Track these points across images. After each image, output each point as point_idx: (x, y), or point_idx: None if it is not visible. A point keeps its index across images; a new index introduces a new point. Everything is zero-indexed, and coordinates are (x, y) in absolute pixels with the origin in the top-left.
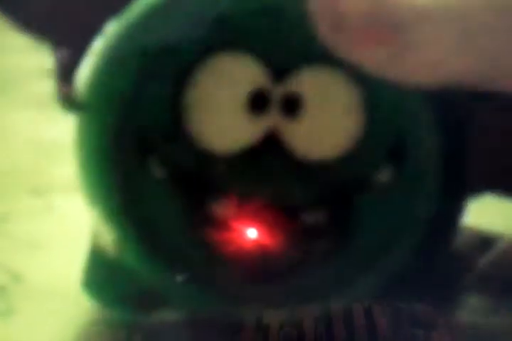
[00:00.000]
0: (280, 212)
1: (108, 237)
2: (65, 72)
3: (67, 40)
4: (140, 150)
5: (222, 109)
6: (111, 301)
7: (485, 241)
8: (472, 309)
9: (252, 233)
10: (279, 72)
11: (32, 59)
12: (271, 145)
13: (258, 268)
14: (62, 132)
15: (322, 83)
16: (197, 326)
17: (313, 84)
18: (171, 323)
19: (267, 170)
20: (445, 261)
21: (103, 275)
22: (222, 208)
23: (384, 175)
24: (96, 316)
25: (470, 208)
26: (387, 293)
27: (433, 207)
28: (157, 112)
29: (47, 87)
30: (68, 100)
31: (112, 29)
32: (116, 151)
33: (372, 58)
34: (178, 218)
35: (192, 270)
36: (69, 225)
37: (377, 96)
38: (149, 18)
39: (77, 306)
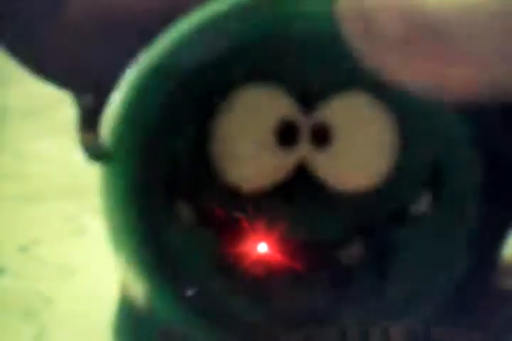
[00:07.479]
0: (314, 249)
1: (138, 288)
2: (89, 119)
3: (91, 87)
4: (169, 195)
5: (250, 144)
6: None
7: None
8: None
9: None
10: (307, 102)
11: None
12: (301, 179)
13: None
14: None
15: (352, 111)
16: None
17: (343, 113)
18: None
19: (298, 204)
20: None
21: (132, 326)
22: (256, 247)
23: (422, 205)
24: None
25: None
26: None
27: (474, 237)
28: (184, 153)
29: (73, 113)
30: (93, 149)
31: (139, 62)
32: (143, 199)
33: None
34: (210, 261)
35: (226, 316)
36: (99, 249)
37: (411, 121)
38: (175, 52)
39: (108, 330)
